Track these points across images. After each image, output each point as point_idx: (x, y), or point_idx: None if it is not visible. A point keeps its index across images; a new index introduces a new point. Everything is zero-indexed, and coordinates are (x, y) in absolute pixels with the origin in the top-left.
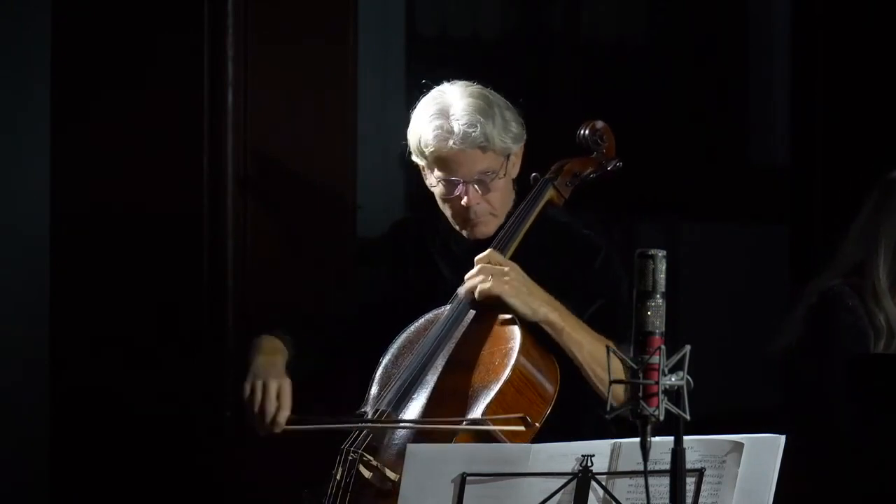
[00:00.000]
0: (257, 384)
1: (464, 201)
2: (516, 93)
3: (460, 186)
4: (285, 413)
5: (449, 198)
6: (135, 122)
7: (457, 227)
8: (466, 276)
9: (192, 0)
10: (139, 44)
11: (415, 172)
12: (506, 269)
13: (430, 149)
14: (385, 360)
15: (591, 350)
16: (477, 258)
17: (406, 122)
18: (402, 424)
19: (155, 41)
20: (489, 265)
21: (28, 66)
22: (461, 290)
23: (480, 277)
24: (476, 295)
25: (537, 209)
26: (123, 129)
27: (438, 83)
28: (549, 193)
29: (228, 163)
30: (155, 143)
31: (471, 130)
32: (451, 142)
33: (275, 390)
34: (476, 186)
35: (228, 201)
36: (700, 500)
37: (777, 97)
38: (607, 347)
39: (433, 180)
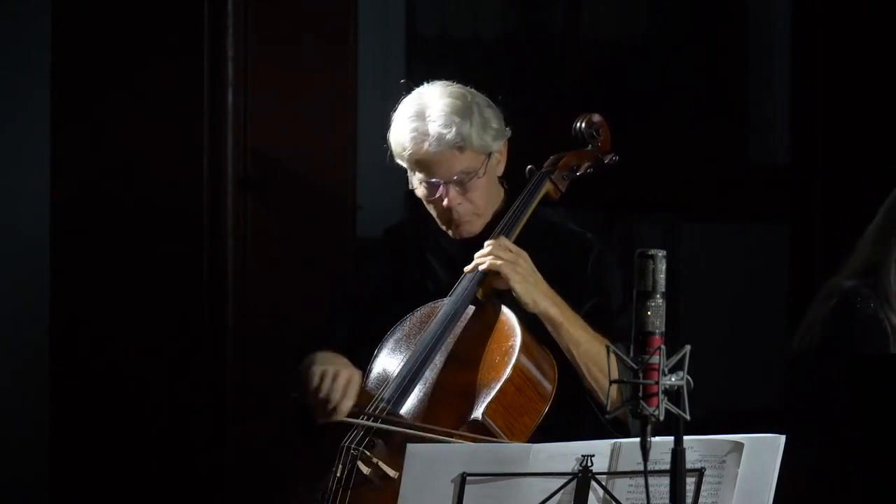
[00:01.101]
0: (328, 371)
1: (444, 202)
2: (516, 93)
3: (441, 188)
4: (349, 402)
5: (431, 199)
6: (135, 122)
7: (443, 228)
8: (476, 255)
9: (192, 0)
10: (139, 44)
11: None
12: (523, 256)
13: (408, 151)
14: (381, 354)
15: (587, 349)
16: (487, 242)
17: None
18: (451, 432)
19: (155, 41)
20: (501, 246)
21: (28, 67)
22: (468, 267)
23: (492, 255)
24: (486, 265)
25: (534, 202)
26: (123, 129)
27: (419, 83)
28: (546, 187)
29: (228, 163)
30: (155, 142)
31: (445, 132)
32: (426, 144)
33: (345, 379)
34: (456, 187)
35: (228, 201)
36: (700, 500)
37: (777, 97)
38: (607, 347)
39: (415, 182)
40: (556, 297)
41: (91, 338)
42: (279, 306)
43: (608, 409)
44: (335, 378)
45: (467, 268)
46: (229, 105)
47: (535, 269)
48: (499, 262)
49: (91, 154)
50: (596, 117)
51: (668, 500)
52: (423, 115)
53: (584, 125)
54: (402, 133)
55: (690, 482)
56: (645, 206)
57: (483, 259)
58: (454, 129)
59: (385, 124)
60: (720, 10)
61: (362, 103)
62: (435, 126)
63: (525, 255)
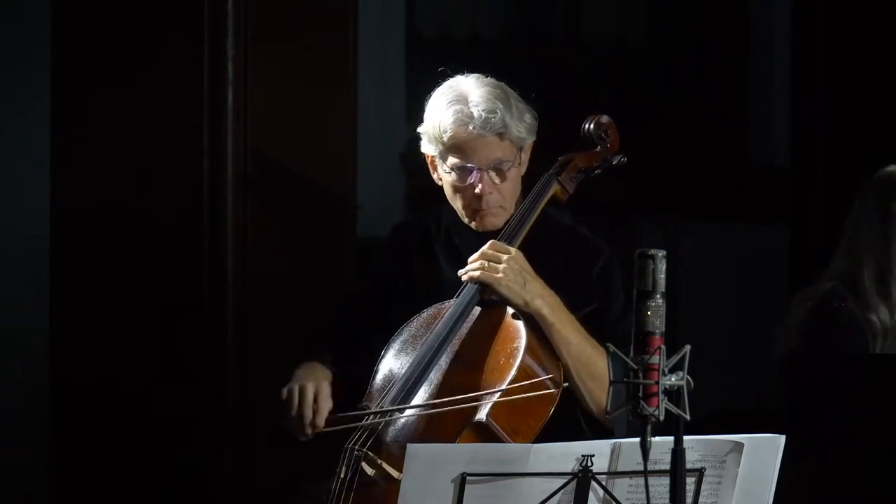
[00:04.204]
0: (294, 388)
1: (478, 189)
2: (523, 93)
3: (475, 174)
4: (322, 415)
5: (462, 185)
6: (135, 122)
7: (465, 220)
8: (469, 261)
9: (192, 0)
10: (139, 44)
11: (416, 172)
12: (504, 256)
13: (448, 134)
14: (388, 355)
15: (578, 351)
16: (481, 250)
17: (407, 121)
18: (431, 402)
19: (155, 41)
20: (490, 252)
21: (28, 67)
22: (462, 277)
23: (477, 264)
24: (466, 278)
25: (542, 203)
26: (123, 129)
27: (453, 74)
28: (554, 188)
29: (228, 163)
30: (155, 143)
31: (491, 116)
32: (470, 126)
33: (311, 393)
34: (491, 174)
35: (228, 201)
36: (700, 500)
37: (777, 97)
38: (607, 347)
39: (446, 168)
40: (551, 296)
41: (91, 338)
42: (279, 306)
43: (607, 409)
44: (302, 394)
45: (463, 277)
46: (229, 105)
47: (527, 269)
48: (477, 273)
49: (91, 154)
50: (604, 118)
51: (668, 500)
52: (466, 99)
53: (592, 126)
54: (443, 116)
55: (690, 482)
56: (645, 206)
57: (466, 272)
58: (498, 114)
59: (385, 124)
60: (720, 11)
61: (362, 103)
62: (478, 110)
63: (518, 256)
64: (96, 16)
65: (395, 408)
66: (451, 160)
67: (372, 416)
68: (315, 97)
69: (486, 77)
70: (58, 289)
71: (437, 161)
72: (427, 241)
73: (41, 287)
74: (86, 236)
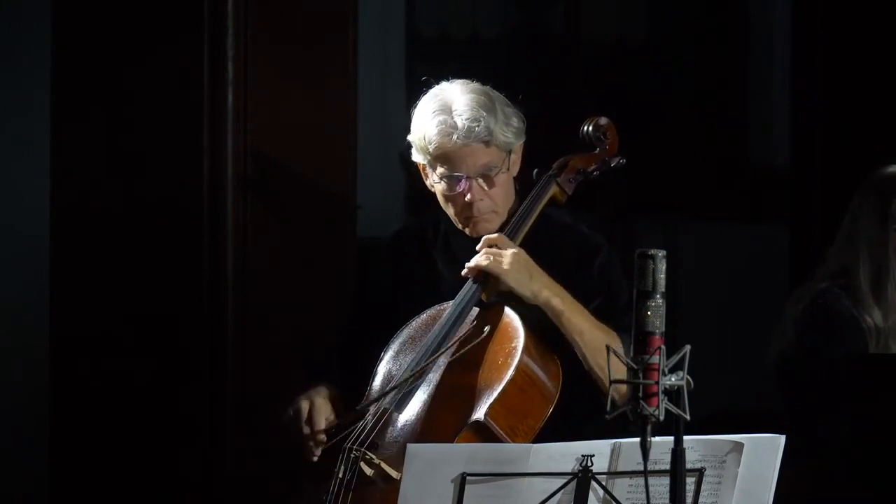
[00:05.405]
0: (289, 412)
1: (467, 197)
2: (517, 93)
3: (463, 182)
4: (320, 432)
5: (451, 195)
6: (135, 122)
7: (459, 226)
8: (477, 249)
9: (192, 0)
10: (139, 44)
11: (416, 172)
12: (510, 251)
13: (434, 145)
14: (387, 356)
15: (591, 338)
16: (485, 238)
17: (407, 122)
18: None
19: (155, 41)
20: (494, 240)
21: (28, 66)
22: (466, 266)
23: (483, 256)
24: (473, 265)
25: (541, 205)
26: (123, 129)
27: (438, 81)
28: (553, 190)
29: (228, 163)
30: (155, 142)
31: (474, 125)
32: (454, 136)
33: (305, 413)
34: (479, 181)
35: (228, 201)
36: (700, 500)
37: (777, 97)
38: (607, 347)
39: (436, 178)
40: (557, 287)
41: (91, 338)
42: (279, 306)
43: (608, 408)
44: (297, 416)
45: (466, 268)
46: (229, 105)
47: (531, 262)
48: (485, 262)
49: (91, 154)
50: (603, 120)
51: (668, 500)
52: (450, 109)
53: (591, 128)
54: (427, 127)
55: (690, 482)
56: (645, 205)
57: (475, 260)
58: (482, 123)
59: (385, 124)
60: (720, 11)
61: (362, 103)
62: (462, 119)
63: (521, 251)
64: (96, 16)
65: (384, 394)
66: (440, 170)
67: (368, 406)
68: (315, 97)
69: (471, 82)
70: (58, 289)
71: (428, 169)
72: (425, 246)
73: (41, 287)
74: (86, 236)
